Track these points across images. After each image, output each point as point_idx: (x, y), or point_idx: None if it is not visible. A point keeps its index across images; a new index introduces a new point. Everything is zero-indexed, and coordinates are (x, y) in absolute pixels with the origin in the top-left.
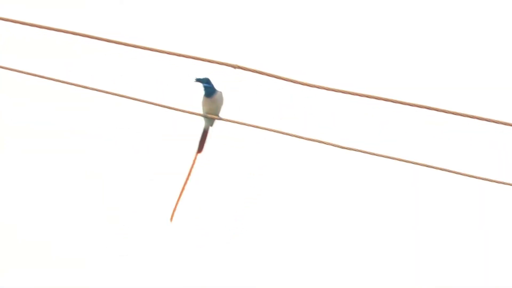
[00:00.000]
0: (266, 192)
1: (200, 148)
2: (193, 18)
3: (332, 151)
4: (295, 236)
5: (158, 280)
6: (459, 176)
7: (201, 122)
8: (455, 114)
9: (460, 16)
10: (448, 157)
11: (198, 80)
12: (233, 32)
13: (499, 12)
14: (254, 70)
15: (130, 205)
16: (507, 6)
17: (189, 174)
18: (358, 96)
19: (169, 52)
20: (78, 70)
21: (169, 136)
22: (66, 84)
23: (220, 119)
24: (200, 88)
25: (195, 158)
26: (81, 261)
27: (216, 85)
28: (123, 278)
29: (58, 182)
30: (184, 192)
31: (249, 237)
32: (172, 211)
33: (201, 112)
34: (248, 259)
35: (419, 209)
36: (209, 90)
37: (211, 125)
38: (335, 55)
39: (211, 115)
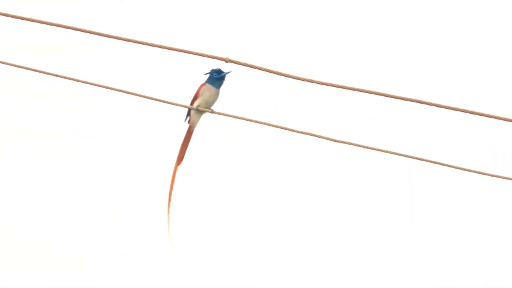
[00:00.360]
0: (260, 186)
1: (180, 157)
2: (185, 11)
3: (326, 145)
4: (290, 231)
5: (158, 280)
6: (454, 170)
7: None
8: (449, 109)
9: (456, 13)
10: (444, 152)
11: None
12: (224, 25)
13: (495, 11)
14: (246, 63)
15: (130, 205)
16: (507, 6)
17: (171, 185)
18: (351, 90)
19: (160, 45)
20: (77, 68)
21: (169, 136)
22: (66, 82)
23: (213, 112)
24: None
25: (175, 168)
26: (81, 261)
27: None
28: (123, 278)
29: (58, 182)
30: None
31: (245, 233)
32: (167, 232)
33: (193, 105)
34: (244, 256)
35: (415, 204)
36: (221, 80)
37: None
38: (329, 50)
39: (203, 108)
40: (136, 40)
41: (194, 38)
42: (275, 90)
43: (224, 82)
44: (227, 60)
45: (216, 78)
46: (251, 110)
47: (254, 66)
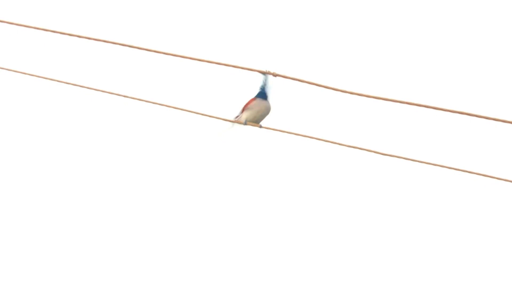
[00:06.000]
0: (308, 201)
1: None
2: (233, 26)
3: (374, 158)
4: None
5: (159, 281)
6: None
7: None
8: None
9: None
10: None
11: (264, 76)
12: (272, 40)
13: (497, 14)
14: (293, 78)
15: (130, 206)
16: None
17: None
18: (399, 103)
19: (209, 61)
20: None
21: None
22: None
23: (261, 127)
24: (243, 91)
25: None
26: (80, 261)
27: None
28: (124, 278)
29: (57, 183)
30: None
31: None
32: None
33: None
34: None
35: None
36: (265, 94)
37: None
38: (377, 62)
39: (252, 123)
40: (184, 56)
41: (242, 53)
42: (323, 103)
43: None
44: (274, 75)
45: (264, 93)
46: (299, 124)
47: (301, 80)
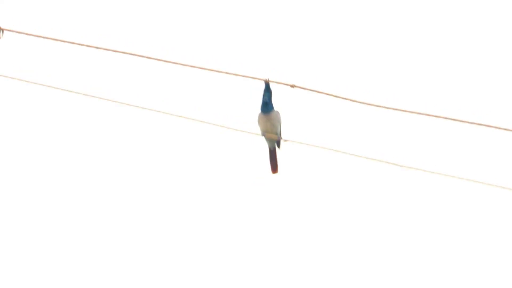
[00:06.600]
0: (323, 211)
1: (273, 168)
2: (250, 37)
3: (392, 170)
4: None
5: (159, 281)
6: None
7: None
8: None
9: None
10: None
11: (267, 86)
12: (289, 51)
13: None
14: (311, 89)
15: (130, 211)
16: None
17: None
18: (417, 114)
19: (227, 72)
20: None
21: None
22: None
23: (280, 139)
24: (257, 104)
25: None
26: (80, 261)
27: (274, 104)
28: (124, 278)
29: (58, 189)
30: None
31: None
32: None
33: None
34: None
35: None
36: (265, 105)
37: (277, 145)
38: (395, 74)
39: (270, 134)
40: (202, 67)
41: (259, 64)
42: (341, 115)
43: (272, 102)
44: (292, 86)
45: (263, 105)
46: (316, 135)
47: (319, 91)
